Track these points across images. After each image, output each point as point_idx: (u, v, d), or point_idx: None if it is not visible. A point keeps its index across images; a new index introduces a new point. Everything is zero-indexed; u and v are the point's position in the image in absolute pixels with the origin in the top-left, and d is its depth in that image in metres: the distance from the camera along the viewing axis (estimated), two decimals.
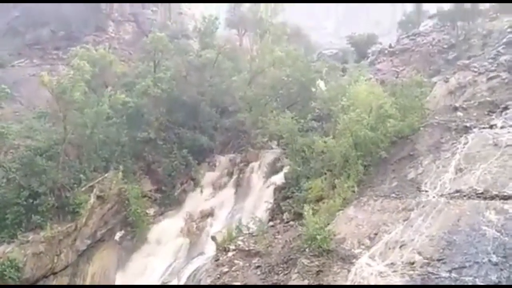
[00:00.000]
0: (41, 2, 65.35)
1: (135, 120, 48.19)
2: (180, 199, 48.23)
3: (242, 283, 28.50)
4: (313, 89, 53.26)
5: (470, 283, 20.23)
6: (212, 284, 29.59)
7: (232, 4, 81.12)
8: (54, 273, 37.28)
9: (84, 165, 42.34)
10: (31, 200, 37.13)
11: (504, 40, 49.20)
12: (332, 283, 23.74)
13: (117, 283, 40.56)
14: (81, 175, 41.03)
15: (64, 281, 37.79)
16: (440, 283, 20.74)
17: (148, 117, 48.55)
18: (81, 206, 38.93)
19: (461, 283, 20.39)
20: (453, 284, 20.52)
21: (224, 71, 55.73)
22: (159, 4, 77.97)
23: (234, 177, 49.01)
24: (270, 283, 27.46)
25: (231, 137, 54.80)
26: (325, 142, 36.60)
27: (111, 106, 42.66)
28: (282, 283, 26.75)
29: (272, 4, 66.63)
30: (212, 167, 51.10)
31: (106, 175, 42.77)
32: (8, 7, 68.08)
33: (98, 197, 41.20)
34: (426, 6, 76.93)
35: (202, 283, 31.34)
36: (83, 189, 40.29)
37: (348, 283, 23.25)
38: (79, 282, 38.70)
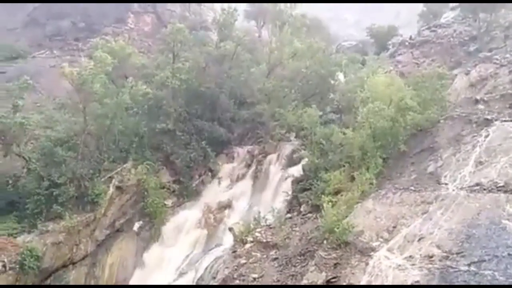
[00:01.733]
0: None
1: (154, 111, 48.39)
2: (198, 191, 48.40)
3: (260, 275, 28.55)
4: (332, 81, 53.04)
5: (489, 277, 20.00)
6: (229, 275, 29.70)
7: None
8: (73, 263, 37.72)
9: (104, 156, 42.72)
10: (51, 190, 37.59)
11: None
12: (349, 276, 23.65)
13: (135, 273, 40.95)
14: (100, 166, 41.40)
15: (83, 271, 38.25)
16: (459, 277, 20.53)
17: (166, 108, 48.65)
18: (100, 196, 39.31)
19: (480, 277, 20.16)
20: (471, 277, 20.33)
21: (242, 63, 55.64)
22: None
23: (252, 168, 49.05)
24: (287, 275, 27.45)
25: (249, 129, 54.78)
26: (344, 134, 36.46)
27: (131, 97, 42.84)
28: (299, 275, 26.71)
29: None
30: (230, 159, 51.19)
31: (125, 165, 43.09)
32: None
33: (117, 187, 41.56)
34: None
35: (219, 274, 31.49)
36: (102, 179, 40.71)
37: (366, 276, 23.13)
38: (97, 272, 39.21)
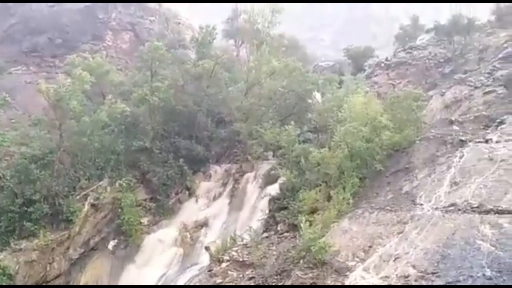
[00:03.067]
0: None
1: (131, 129, 48.23)
2: (175, 209, 48.06)
3: None
4: (310, 101, 53.38)
5: None
6: None
7: (230, 15, 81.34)
8: (47, 282, 37.16)
9: (79, 173, 42.42)
10: (25, 208, 37.22)
11: (500, 55, 49.35)
12: None
13: None
14: (76, 183, 41.02)
15: None
16: None
17: (144, 126, 48.54)
18: (74, 214, 38.98)
19: None
20: None
21: (220, 81, 55.75)
22: (157, 14, 78.22)
23: (229, 187, 48.90)
24: None
25: (227, 147, 54.77)
26: (321, 153, 36.65)
27: (108, 115, 42.67)
28: None
29: (270, 16, 66.75)
30: (207, 177, 51.04)
31: (100, 183, 42.78)
32: (5, 15, 68.29)
33: (92, 205, 41.21)
34: (422, 20, 77.32)
35: None
36: (77, 197, 40.41)
37: None
38: None
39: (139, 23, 74.58)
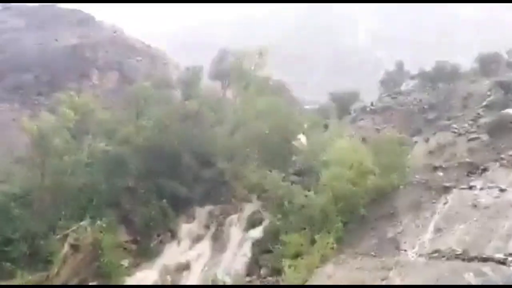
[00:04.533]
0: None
1: (115, 168, 47.71)
2: (156, 251, 47.20)
3: None
4: (295, 143, 53.47)
5: None
6: None
7: (217, 56, 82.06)
8: None
9: (60, 213, 41.74)
10: (3, 247, 36.37)
11: (484, 103, 50.07)
12: None
13: None
14: (56, 223, 40.36)
15: None
16: None
17: (128, 166, 48.14)
18: (54, 254, 38.17)
19: None
20: None
21: (206, 122, 55.80)
22: (145, 54, 78.73)
23: (212, 229, 48.31)
24: None
25: (211, 188, 54.28)
26: (305, 196, 36.52)
27: (90, 154, 42.37)
28: None
29: (256, 58, 67.39)
30: (190, 219, 50.42)
31: (81, 223, 42.08)
32: None
33: (72, 246, 40.34)
34: (407, 66, 78.45)
35: None
36: (57, 237, 39.60)
37: None
38: None
39: (126, 62, 74.89)
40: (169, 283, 42.74)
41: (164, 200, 48.24)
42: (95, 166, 46.11)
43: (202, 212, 50.70)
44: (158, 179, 49.52)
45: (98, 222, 42.71)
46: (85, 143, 43.37)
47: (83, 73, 70.15)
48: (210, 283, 35.31)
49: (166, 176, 50.40)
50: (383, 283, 25.60)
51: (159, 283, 42.84)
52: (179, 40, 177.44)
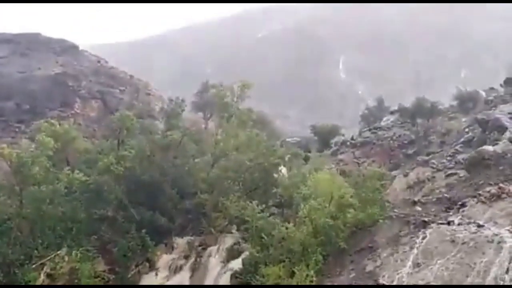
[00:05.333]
0: None
1: (94, 197, 47.44)
2: (134, 281, 46.72)
3: None
4: (276, 175, 53.68)
5: None
6: None
7: (200, 88, 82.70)
8: None
9: (37, 241, 41.24)
10: None
11: (462, 139, 50.94)
12: None
13: None
14: (33, 252, 39.86)
15: None
16: None
17: (108, 195, 47.87)
18: (29, 284, 37.56)
19: None
20: None
21: (188, 153, 55.91)
22: (128, 84, 79.04)
23: (191, 260, 47.96)
24: None
25: (191, 219, 54.12)
26: (286, 228, 36.55)
27: (67, 185, 42.18)
28: None
29: (239, 90, 67.96)
30: (169, 249, 50.06)
31: (58, 252, 41.62)
32: None
33: (48, 275, 39.87)
34: (387, 102, 79.85)
35: None
36: (33, 266, 39.06)
37: None
38: None
39: (109, 92, 75.18)
40: None
41: (144, 230, 47.89)
42: (75, 195, 45.84)
43: (181, 243, 50.39)
44: (138, 209, 49.25)
45: (76, 251, 42.35)
46: (64, 172, 43.04)
47: (65, 101, 70.22)
48: None
49: (146, 206, 50.16)
50: None
51: None
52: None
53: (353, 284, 29.74)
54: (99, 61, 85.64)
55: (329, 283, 30.95)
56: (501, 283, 25.27)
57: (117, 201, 48.00)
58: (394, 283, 28.09)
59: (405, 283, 27.68)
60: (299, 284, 31.25)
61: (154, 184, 51.25)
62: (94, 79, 75.50)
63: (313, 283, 31.43)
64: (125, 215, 48.33)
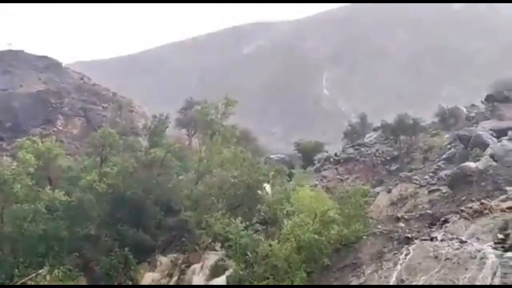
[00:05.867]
0: None
1: (77, 215, 46.96)
2: None
3: None
4: (260, 192, 53.60)
5: None
6: None
7: (184, 105, 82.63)
8: None
9: (19, 260, 40.73)
10: None
11: (444, 155, 51.40)
12: None
13: None
14: (14, 271, 39.35)
15: None
16: None
17: (90, 213, 47.45)
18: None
19: None
20: None
21: (171, 170, 55.69)
22: (111, 101, 78.87)
23: (175, 278, 47.60)
24: None
25: (175, 236, 53.78)
26: (270, 245, 36.44)
27: (50, 202, 41.82)
28: None
29: (223, 107, 68.09)
30: (152, 267, 49.61)
31: (40, 271, 41.10)
32: None
33: None
34: (370, 119, 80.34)
35: None
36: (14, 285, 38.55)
37: None
38: None
39: (92, 109, 74.96)
40: None
41: (127, 248, 47.45)
42: (57, 213, 45.40)
43: (164, 261, 50.00)
44: (121, 227, 48.86)
45: (57, 270, 41.84)
46: (45, 191, 42.70)
47: (47, 119, 69.90)
48: None
49: (129, 223, 49.77)
50: None
51: None
52: None
53: None
54: (82, 78, 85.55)
55: None
56: None
57: (100, 218, 47.61)
58: None
59: None
60: None
61: (138, 201, 50.91)
62: (77, 96, 75.32)
63: None
64: (108, 233, 47.91)
